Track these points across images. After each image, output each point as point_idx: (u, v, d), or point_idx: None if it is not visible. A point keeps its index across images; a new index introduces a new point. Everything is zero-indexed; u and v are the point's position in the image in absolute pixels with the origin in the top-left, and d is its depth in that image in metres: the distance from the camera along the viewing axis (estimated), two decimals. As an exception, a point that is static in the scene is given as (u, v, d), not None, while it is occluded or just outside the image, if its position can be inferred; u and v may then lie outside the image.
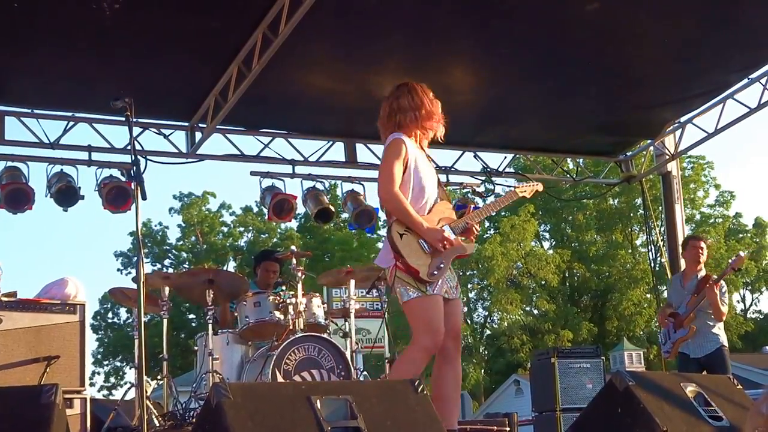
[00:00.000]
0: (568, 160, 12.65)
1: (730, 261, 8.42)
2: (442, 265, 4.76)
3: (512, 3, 7.68)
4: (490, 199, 9.84)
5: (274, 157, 10.04)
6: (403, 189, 4.79)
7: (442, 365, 4.92)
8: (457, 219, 4.98)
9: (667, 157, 11.35)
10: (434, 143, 5.48)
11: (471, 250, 5.06)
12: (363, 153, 10.40)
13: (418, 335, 4.73)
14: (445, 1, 7.55)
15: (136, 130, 9.09)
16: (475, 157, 10.98)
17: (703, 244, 8.40)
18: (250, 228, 43.34)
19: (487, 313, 40.46)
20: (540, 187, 5.62)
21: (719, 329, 8.05)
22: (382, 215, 10.48)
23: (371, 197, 10.35)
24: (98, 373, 42.49)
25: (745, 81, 10.00)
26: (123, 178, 8.92)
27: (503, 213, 34.53)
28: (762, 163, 67.82)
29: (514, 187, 5.58)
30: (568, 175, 12.72)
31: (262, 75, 7.73)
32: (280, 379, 6.51)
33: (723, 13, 8.13)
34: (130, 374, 37.18)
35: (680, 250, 9.27)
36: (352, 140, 10.31)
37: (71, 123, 9.10)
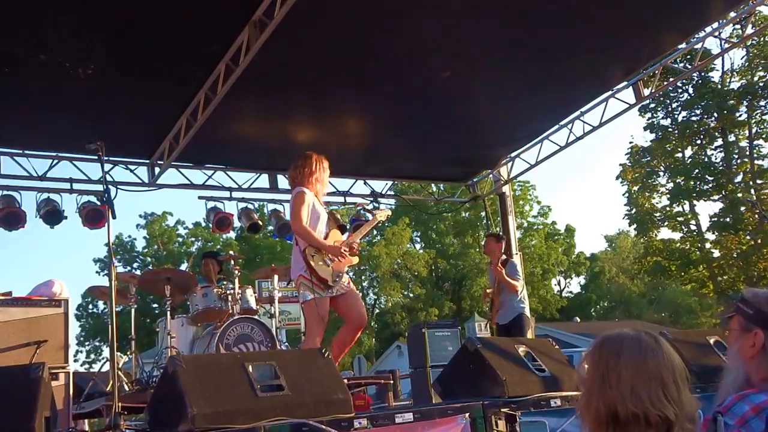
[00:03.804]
0: (432, 184, 12.83)
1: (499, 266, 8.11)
2: (340, 274, 5.31)
3: (386, 74, 7.69)
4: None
5: (216, 186, 9.85)
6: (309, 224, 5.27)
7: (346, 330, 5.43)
8: (344, 241, 5.47)
9: (502, 181, 11.50)
10: (334, 173, 5.72)
11: (355, 260, 5.57)
12: (282, 182, 10.27)
13: (312, 328, 5.16)
14: (335, 72, 7.52)
15: (108, 166, 8.81)
16: (365, 183, 11.00)
17: (487, 244, 8.41)
18: (200, 238, 42.48)
19: (376, 297, 40.61)
20: (389, 213, 6.24)
21: (521, 302, 8.05)
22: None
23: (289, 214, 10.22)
24: (81, 352, 40.91)
25: (556, 126, 10.26)
26: (98, 203, 8.60)
27: (386, 224, 34.74)
28: (571, 184, 70.42)
29: (374, 215, 5.95)
30: (432, 196, 13.06)
31: (205, 124, 7.57)
32: (222, 351, 6.39)
33: (536, 78, 8.31)
34: (106, 352, 35.93)
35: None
36: (274, 172, 10.17)
37: (56, 161, 8.73)
